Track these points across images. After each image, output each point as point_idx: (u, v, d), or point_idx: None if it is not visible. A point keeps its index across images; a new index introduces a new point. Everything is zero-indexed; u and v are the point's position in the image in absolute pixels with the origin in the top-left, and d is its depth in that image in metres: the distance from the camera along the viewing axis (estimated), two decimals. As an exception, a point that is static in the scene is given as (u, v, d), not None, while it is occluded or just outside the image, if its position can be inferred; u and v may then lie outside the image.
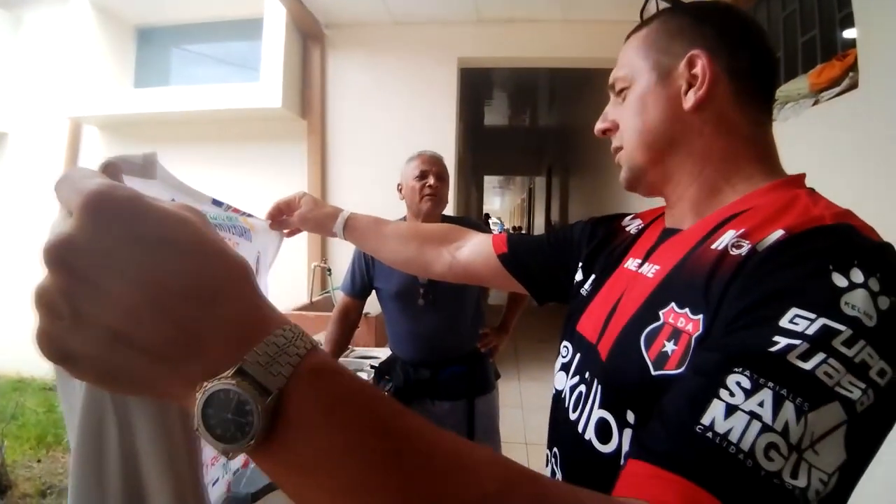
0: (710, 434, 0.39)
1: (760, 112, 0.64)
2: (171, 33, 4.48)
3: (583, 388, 0.68)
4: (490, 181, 16.47)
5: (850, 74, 1.59)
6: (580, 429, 0.65)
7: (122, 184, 0.30)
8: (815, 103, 1.75)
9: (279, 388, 0.28)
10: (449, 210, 3.14)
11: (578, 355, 0.72)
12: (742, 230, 0.54)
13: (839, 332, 0.40)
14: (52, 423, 3.46)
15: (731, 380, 0.41)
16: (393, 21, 3.60)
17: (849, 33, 1.68)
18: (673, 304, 0.56)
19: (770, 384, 0.39)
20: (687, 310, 0.54)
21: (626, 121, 0.69)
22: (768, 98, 0.66)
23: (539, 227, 12.64)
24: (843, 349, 0.40)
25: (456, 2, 3.33)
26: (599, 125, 0.74)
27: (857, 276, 0.43)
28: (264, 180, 3.89)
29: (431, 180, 1.88)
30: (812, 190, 0.58)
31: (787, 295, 0.44)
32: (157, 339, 0.28)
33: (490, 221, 18.02)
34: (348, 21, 3.66)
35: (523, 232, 17.22)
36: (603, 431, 0.61)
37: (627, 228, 0.80)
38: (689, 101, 0.62)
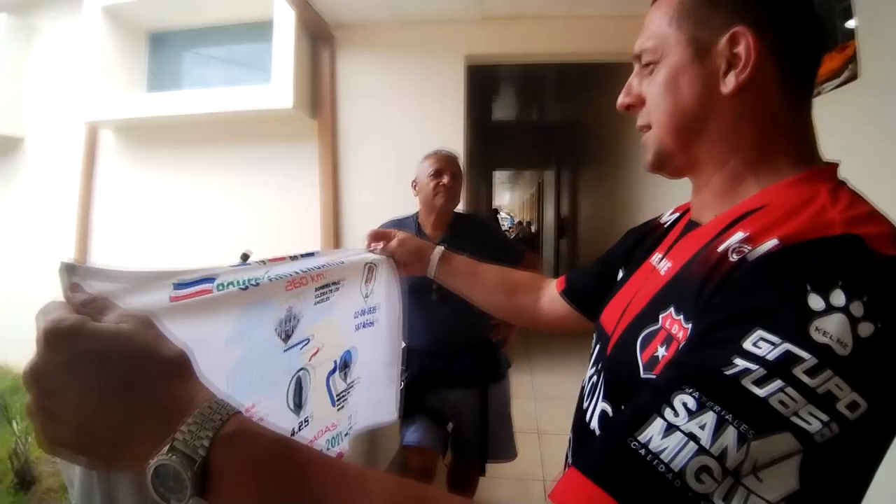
0: (642, 451, 0.38)
1: (803, 94, 0.58)
2: (182, 37, 4.55)
3: (595, 378, 0.68)
4: (499, 176, 16.42)
5: (850, 66, 1.61)
6: (587, 418, 0.66)
7: (70, 315, 0.39)
8: (818, 94, 1.78)
9: (202, 456, 0.35)
10: (460, 206, 3.19)
11: (598, 346, 0.72)
12: (749, 233, 0.50)
13: (802, 359, 0.38)
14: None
15: (679, 399, 0.40)
16: (400, 20, 3.64)
17: (849, 24, 1.69)
18: (672, 309, 0.54)
19: (716, 407, 0.38)
20: (682, 316, 0.52)
21: (655, 99, 0.62)
22: (813, 76, 0.59)
23: (549, 222, 12.62)
24: (805, 378, 0.37)
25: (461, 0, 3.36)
26: (623, 99, 0.67)
27: (839, 298, 0.39)
28: (277, 180, 3.97)
29: (446, 179, 1.95)
30: (840, 184, 0.53)
31: (757, 315, 0.41)
32: (103, 430, 0.37)
33: (499, 216, 17.99)
34: (356, 21, 3.71)
35: (533, 227, 17.19)
36: (604, 422, 0.62)
37: (664, 223, 0.78)
38: (728, 84, 0.56)
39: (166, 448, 0.35)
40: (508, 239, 2.55)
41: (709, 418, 0.38)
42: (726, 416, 0.37)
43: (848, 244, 0.44)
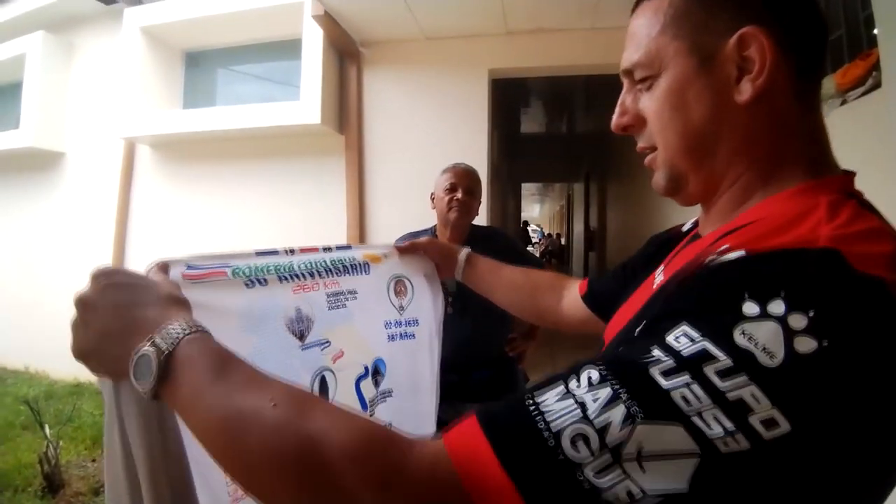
0: (532, 408, 0.38)
1: (814, 95, 0.53)
2: (216, 55, 4.70)
3: None
4: (528, 188, 16.40)
5: (874, 74, 1.58)
6: None
7: (118, 267, 0.60)
8: (843, 103, 1.74)
9: (169, 350, 0.48)
10: (483, 220, 3.20)
11: None
12: (729, 245, 0.44)
13: (716, 358, 0.35)
14: (108, 425, 3.64)
15: (586, 372, 0.39)
16: (424, 36, 3.70)
17: (876, 31, 1.66)
18: (645, 321, 0.50)
19: (615, 384, 0.37)
20: None
21: (661, 118, 0.55)
22: (821, 75, 0.54)
23: (578, 234, 12.52)
24: (715, 379, 0.35)
25: (485, 15, 3.39)
26: (619, 120, 0.61)
27: (777, 307, 0.35)
28: (305, 194, 4.05)
29: (460, 194, 1.96)
30: (847, 197, 0.46)
31: (687, 313, 0.39)
32: (119, 332, 0.52)
33: (529, 229, 17.89)
34: (382, 38, 3.77)
35: (563, 240, 17.07)
36: None
37: (684, 231, 0.73)
38: (744, 91, 0.50)
39: (148, 341, 0.49)
40: (527, 252, 2.55)
41: (604, 392, 0.37)
42: (621, 393, 0.36)
43: (818, 257, 0.38)
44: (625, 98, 0.60)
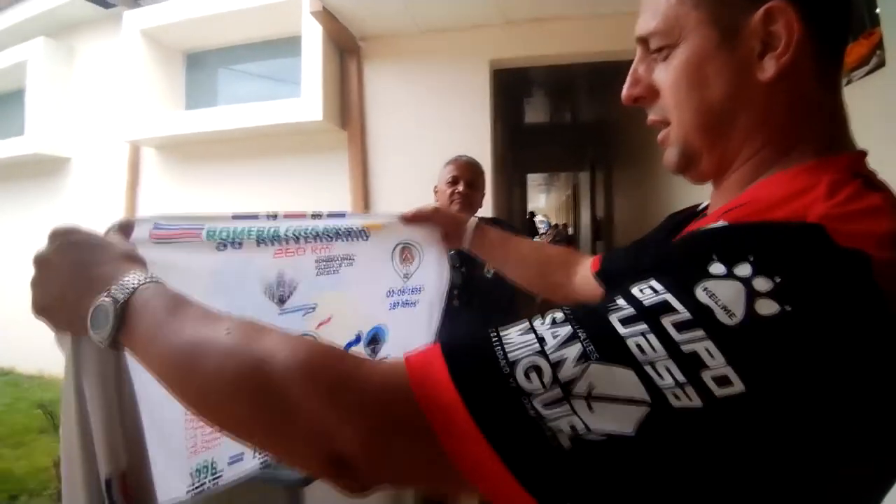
0: (494, 338, 0.39)
1: (836, 74, 0.50)
2: (217, 55, 4.70)
3: None
4: (534, 179, 16.31)
5: (878, 53, 1.56)
6: None
7: (76, 226, 0.59)
8: (848, 83, 1.72)
9: (125, 299, 0.50)
10: (488, 211, 3.18)
11: None
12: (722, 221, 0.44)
13: (674, 311, 0.35)
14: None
15: (552, 313, 0.40)
16: (423, 29, 3.67)
17: (878, 10, 1.63)
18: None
19: (576, 325, 0.38)
20: None
21: (676, 93, 0.53)
22: (843, 54, 0.51)
23: (585, 224, 12.46)
24: (671, 330, 0.35)
25: (483, 5, 3.36)
26: (630, 91, 0.58)
27: (744, 270, 0.35)
28: (310, 190, 4.05)
29: (461, 187, 1.96)
30: (851, 176, 0.44)
31: (655, 269, 0.39)
32: (75, 288, 0.53)
33: (536, 219, 17.83)
34: (382, 32, 3.76)
35: (570, 230, 17.00)
36: None
37: (700, 210, 0.71)
38: (767, 69, 0.47)
39: (105, 293, 0.50)
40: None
41: (564, 330, 0.38)
42: (579, 333, 0.37)
43: (797, 230, 0.38)
44: (638, 67, 0.58)
